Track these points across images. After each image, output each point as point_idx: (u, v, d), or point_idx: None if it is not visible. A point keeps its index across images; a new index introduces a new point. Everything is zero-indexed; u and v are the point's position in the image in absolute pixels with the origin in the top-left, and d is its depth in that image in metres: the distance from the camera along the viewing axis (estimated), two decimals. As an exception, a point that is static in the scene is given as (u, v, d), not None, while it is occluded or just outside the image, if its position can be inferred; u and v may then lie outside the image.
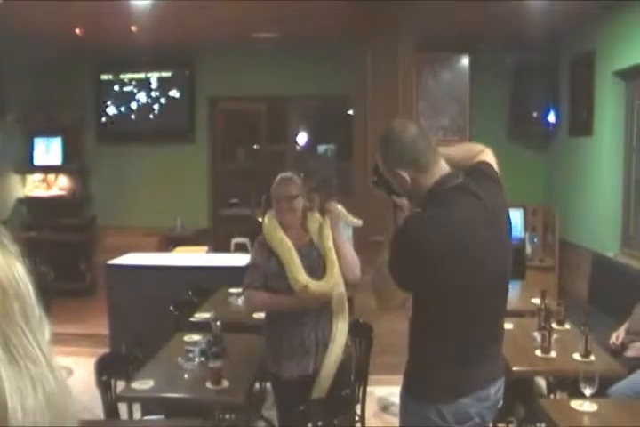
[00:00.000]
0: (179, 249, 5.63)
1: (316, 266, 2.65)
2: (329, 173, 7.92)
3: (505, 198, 1.89)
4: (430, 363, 1.77)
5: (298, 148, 7.83)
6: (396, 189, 1.83)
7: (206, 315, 3.55)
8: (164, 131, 6.78)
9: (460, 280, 1.70)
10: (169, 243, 6.35)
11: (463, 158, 2.00)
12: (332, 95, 6.63)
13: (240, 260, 3.81)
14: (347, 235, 3.34)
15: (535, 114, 6.10)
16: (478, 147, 2.06)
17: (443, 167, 1.81)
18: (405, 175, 1.78)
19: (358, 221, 2.71)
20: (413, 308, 1.76)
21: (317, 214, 2.73)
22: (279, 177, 2.71)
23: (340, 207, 2.70)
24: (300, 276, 2.55)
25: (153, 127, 6.74)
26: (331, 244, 2.63)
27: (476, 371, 1.76)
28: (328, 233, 2.64)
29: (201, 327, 3.34)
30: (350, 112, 6.45)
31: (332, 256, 2.62)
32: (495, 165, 1.97)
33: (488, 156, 2.01)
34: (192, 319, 3.57)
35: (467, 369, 1.74)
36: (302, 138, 8.01)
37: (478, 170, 1.91)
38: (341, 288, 2.66)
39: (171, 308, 3.70)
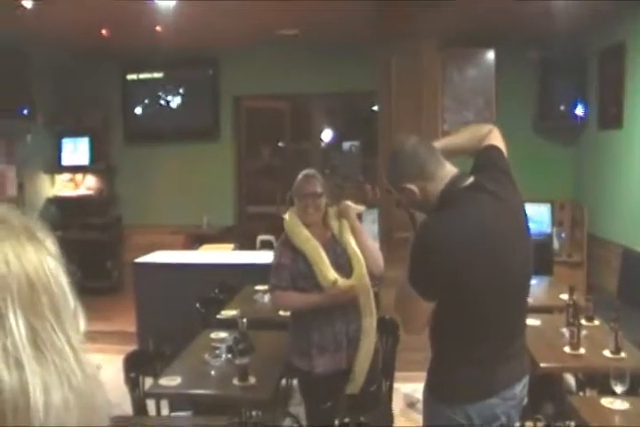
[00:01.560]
0: (205, 247, 5.69)
1: (342, 262, 2.65)
2: (354, 169, 7.87)
3: (517, 189, 1.86)
4: (454, 363, 1.76)
5: (322, 145, 7.87)
6: (407, 204, 1.83)
7: (233, 312, 3.58)
8: (189, 130, 6.80)
9: (482, 278, 1.69)
10: (195, 241, 6.37)
11: (470, 143, 1.97)
12: (357, 92, 6.62)
13: (266, 257, 3.69)
14: (372, 233, 3.44)
15: (563, 107, 6.05)
16: (484, 128, 2.01)
17: (450, 170, 1.79)
18: (414, 187, 1.77)
19: (361, 207, 2.74)
20: (435, 307, 1.74)
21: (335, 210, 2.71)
22: (302, 174, 2.70)
23: (349, 203, 2.71)
24: (330, 274, 2.55)
25: (178, 126, 6.76)
26: (349, 236, 2.64)
27: (501, 370, 1.75)
28: (346, 227, 2.67)
29: (227, 325, 3.36)
30: (375, 108, 6.47)
31: (355, 249, 2.62)
32: (503, 148, 1.92)
33: (496, 138, 1.96)
34: (218, 317, 3.58)
35: (492, 368, 1.73)
36: (327, 135, 8.07)
37: (488, 160, 1.87)
38: (368, 283, 2.67)
39: (197, 305, 3.72)
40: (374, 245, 2.72)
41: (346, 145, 8.19)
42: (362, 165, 7.89)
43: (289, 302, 2.65)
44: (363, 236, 2.67)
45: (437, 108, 4.90)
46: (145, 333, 4.46)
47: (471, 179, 1.78)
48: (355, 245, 2.63)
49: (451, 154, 1.93)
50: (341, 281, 2.55)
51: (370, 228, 4.76)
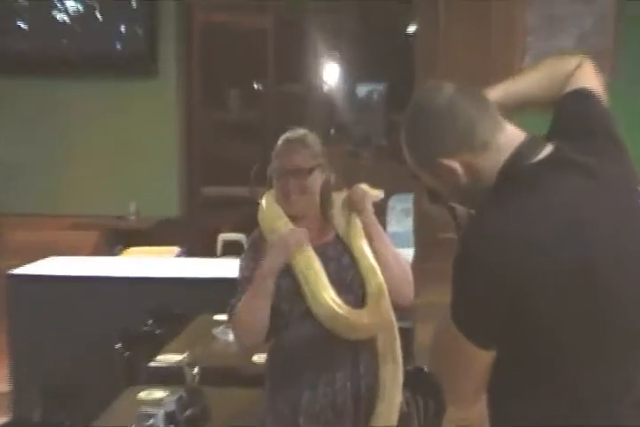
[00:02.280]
0: (132, 250, 5.44)
1: (350, 279, 2.63)
2: (375, 128, 7.82)
3: (630, 162, 1.77)
4: None
5: (324, 89, 7.65)
6: (446, 193, 1.82)
7: (176, 357, 3.44)
8: (103, 59, 6.55)
9: (571, 307, 1.63)
10: (115, 241, 6.13)
11: (545, 92, 1.91)
12: (378, 2, 6.66)
13: (231, 268, 3.26)
14: (404, 231, 3.89)
15: None
16: (567, 64, 1.93)
17: (513, 135, 1.73)
18: (455, 164, 1.69)
19: (379, 193, 2.74)
20: (497, 355, 1.70)
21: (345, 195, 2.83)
22: (283, 138, 2.68)
23: (363, 186, 2.72)
24: (326, 294, 2.52)
25: (82, 52, 6.50)
26: (363, 241, 2.65)
27: None
28: (358, 226, 2.66)
29: (167, 377, 3.27)
30: (411, 30, 6.56)
31: (371, 262, 2.61)
32: (602, 94, 1.87)
33: (588, 77, 1.90)
34: (153, 364, 3.47)
35: None
36: (332, 73, 7.75)
37: (576, 115, 1.83)
38: (390, 315, 2.65)
39: (117, 345, 3.61)
40: (399, 258, 2.73)
41: (362, 90, 7.89)
42: (387, 123, 7.75)
43: (243, 321, 2.57)
44: (381, 242, 2.68)
45: (515, 29, 4.94)
46: (26, 392, 4.30)
47: (548, 148, 1.69)
48: (371, 255, 2.64)
49: (516, 108, 1.93)
50: (346, 310, 2.52)
51: (401, 223, 5.06)
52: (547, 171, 1.71)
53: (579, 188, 1.70)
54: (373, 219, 2.73)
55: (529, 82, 1.96)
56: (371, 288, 2.66)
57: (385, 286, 2.67)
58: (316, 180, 2.70)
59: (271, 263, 2.63)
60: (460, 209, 1.87)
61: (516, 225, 1.64)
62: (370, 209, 2.72)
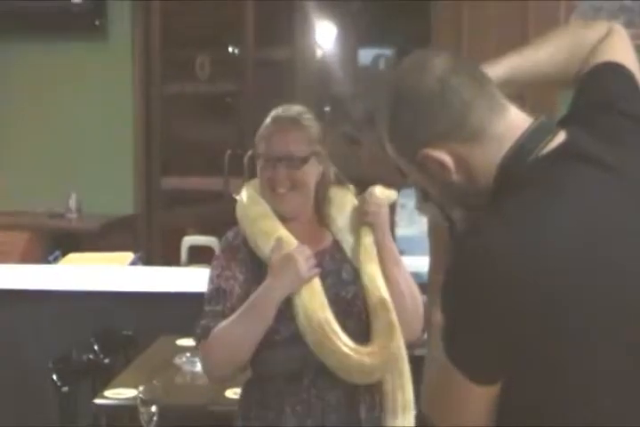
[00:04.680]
0: (72, 257, 5.36)
1: (351, 296, 2.66)
2: (381, 103, 7.51)
3: None
4: None
5: (319, 54, 7.76)
6: (433, 192, 1.85)
7: (129, 392, 3.45)
8: (45, 14, 6.52)
9: (583, 326, 1.65)
10: (52, 244, 6.18)
11: (561, 68, 1.93)
12: None
13: (199, 279, 3.41)
14: (420, 230, 3.75)
15: None
16: (592, 32, 1.95)
17: (517, 120, 1.73)
18: (444, 157, 1.69)
19: (392, 194, 2.72)
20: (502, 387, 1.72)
21: (350, 190, 2.81)
22: (272, 116, 2.72)
23: (377, 190, 2.66)
24: (322, 316, 2.54)
25: (20, 6, 6.49)
26: (373, 264, 2.64)
27: None
28: (369, 246, 2.64)
29: (117, 417, 3.41)
30: None
31: (382, 295, 2.62)
32: (634, 65, 1.88)
33: (616, 48, 1.91)
34: (98, 401, 3.45)
35: None
36: (327, 34, 7.79)
37: (598, 94, 1.83)
38: (402, 351, 2.66)
39: (53, 377, 3.58)
40: (413, 288, 2.72)
41: (366, 55, 7.95)
42: None
43: (219, 348, 2.57)
44: (396, 267, 2.69)
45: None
46: None
47: (560, 136, 1.71)
48: (383, 285, 2.63)
49: (526, 85, 2.02)
50: (347, 345, 2.52)
51: (414, 225, 5.04)
52: (551, 165, 1.71)
53: (596, 187, 1.71)
54: (389, 236, 2.71)
55: (541, 55, 1.95)
56: (380, 325, 2.64)
57: (397, 325, 2.66)
58: (312, 171, 2.68)
59: (277, 293, 2.60)
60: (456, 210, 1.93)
61: (522, 233, 1.65)
62: (386, 222, 2.70)
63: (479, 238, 1.68)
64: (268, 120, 2.73)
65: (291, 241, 2.68)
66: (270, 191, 2.69)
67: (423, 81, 1.70)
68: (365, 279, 2.69)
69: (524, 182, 1.70)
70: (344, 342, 2.58)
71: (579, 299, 1.65)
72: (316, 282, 2.63)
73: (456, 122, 1.71)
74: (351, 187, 2.85)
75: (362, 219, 2.72)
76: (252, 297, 2.63)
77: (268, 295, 2.61)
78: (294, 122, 2.70)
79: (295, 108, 2.75)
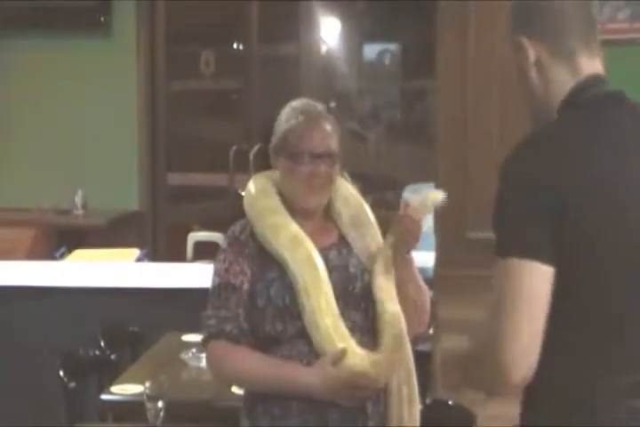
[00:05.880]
0: (79, 253, 5.36)
1: (357, 293, 2.64)
2: (385, 101, 7.96)
3: None
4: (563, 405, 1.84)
5: (324, 50, 7.60)
6: (519, 81, 1.99)
7: (135, 388, 3.41)
8: (48, 11, 6.56)
9: (604, 249, 1.79)
10: (58, 241, 6.15)
11: None
12: None
13: (204, 275, 3.33)
14: (426, 225, 3.30)
15: None
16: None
17: (594, 65, 1.93)
18: (531, 50, 1.93)
19: (440, 195, 2.65)
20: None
21: (346, 178, 2.82)
22: (298, 110, 2.64)
23: (414, 204, 2.60)
24: (328, 318, 2.51)
25: (25, 3, 6.54)
26: (389, 284, 2.60)
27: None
28: (386, 259, 2.61)
29: (123, 413, 3.34)
30: None
31: (394, 311, 2.61)
32: None
33: None
34: (105, 397, 3.44)
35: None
36: (331, 30, 7.73)
37: None
38: (407, 350, 2.66)
39: (60, 373, 3.55)
40: (423, 288, 2.73)
41: (371, 50, 7.89)
42: (401, 94, 7.81)
43: (235, 368, 2.60)
44: (411, 270, 2.68)
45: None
46: None
47: (612, 88, 1.94)
48: (396, 299, 2.61)
49: None
50: (351, 350, 2.49)
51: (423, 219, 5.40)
52: (601, 104, 1.89)
53: (627, 123, 1.87)
54: (412, 254, 2.69)
55: None
56: (388, 338, 2.63)
57: (406, 335, 2.65)
58: (337, 168, 2.73)
59: (310, 390, 2.54)
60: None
61: (565, 146, 1.81)
62: (417, 240, 2.63)
63: (525, 148, 1.85)
64: (290, 112, 2.71)
65: (302, 237, 2.67)
66: (306, 186, 2.68)
67: None
68: (378, 292, 2.67)
69: (577, 112, 1.87)
70: (358, 355, 2.55)
71: (604, 228, 1.77)
72: (325, 278, 2.62)
73: (548, 26, 1.90)
74: (345, 174, 2.84)
75: (394, 229, 2.70)
76: (291, 370, 2.59)
77: (300, 386, 2.57)
78: (327, 118, 2.71)
79: (316, 104, 2.75)
